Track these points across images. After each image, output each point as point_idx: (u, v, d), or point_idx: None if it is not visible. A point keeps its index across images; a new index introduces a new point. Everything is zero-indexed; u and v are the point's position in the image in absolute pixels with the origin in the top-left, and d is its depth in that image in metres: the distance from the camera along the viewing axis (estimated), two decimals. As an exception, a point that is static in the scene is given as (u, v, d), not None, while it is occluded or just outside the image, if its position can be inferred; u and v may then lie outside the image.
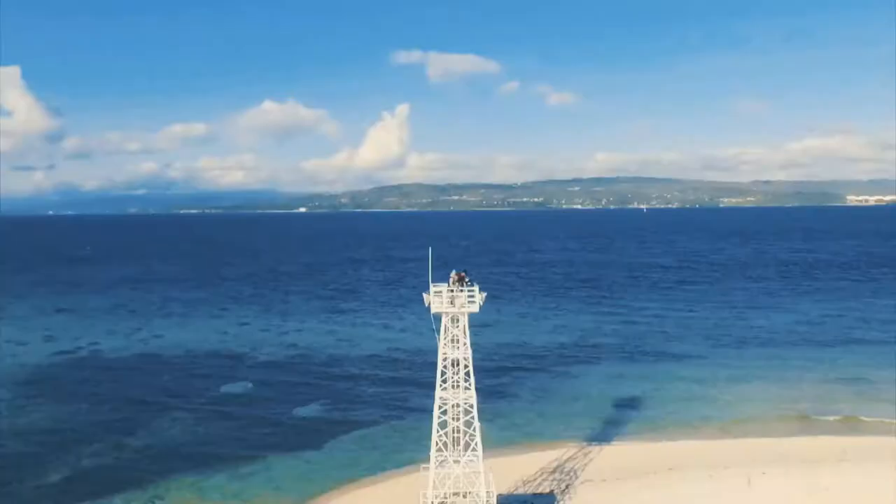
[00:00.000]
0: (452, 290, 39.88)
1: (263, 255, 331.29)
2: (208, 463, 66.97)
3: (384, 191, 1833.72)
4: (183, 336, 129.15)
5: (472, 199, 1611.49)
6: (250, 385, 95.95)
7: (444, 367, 40.94)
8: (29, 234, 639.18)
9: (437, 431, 41.79)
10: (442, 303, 39.82)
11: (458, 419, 41.68)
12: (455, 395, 41.42)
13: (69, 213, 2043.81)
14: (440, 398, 41.28)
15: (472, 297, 39.81)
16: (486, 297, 40.53)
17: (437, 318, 41.08)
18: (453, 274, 40.61)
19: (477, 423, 42.07)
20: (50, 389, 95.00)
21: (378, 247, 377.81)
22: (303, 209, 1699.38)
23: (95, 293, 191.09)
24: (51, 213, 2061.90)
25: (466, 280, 40.52)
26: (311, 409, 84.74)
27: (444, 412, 41.75)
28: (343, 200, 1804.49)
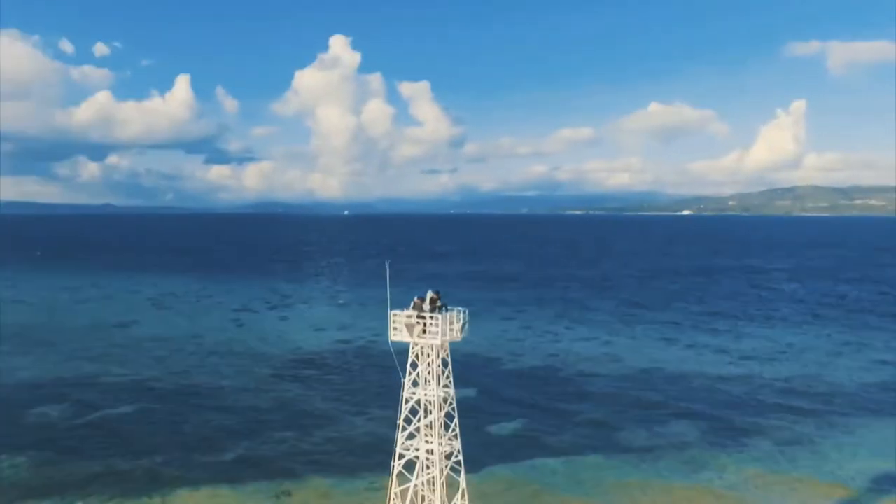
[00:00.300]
0: (419, 317, 31.76)
1: (611, 258, 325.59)
2: (356, 467, 65.38)
3: (775, 193, 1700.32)
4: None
5: (880, 203, 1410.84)
6: (474, 391, 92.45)
7: (410, 408, 32.94)
8: (428, 230, 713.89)
9: (396, 487, 33.91)
10: (408, 332, 31.91)
11: (422, 475, 33.30)
12: (426, 444, 33.15)
13: (468, 211, 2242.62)
14: (402, 445, 33.35)
15: (435, 325, 31.29)
16: (467, 326, 31.78)
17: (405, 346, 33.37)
18: (430, 294, 32.43)
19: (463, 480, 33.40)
20: (297, 373, 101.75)
21: (742, 254, 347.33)
22: (687, 212, 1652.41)
23: (431, 285, 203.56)
24: (452, 211, 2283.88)
25: (439, 304, 32.08)
26: (514, 425, 78.39)
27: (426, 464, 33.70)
28: (730, 203, 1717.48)
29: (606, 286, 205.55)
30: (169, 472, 63.95)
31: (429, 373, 32.42)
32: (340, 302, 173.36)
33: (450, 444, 33.33)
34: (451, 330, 31.63)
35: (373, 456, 67.92)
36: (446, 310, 32.02)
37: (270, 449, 70.63)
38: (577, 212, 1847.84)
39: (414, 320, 31.34)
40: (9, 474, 63.54)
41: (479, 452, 68.71)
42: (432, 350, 31.94)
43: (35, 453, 68.25)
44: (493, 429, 76.62)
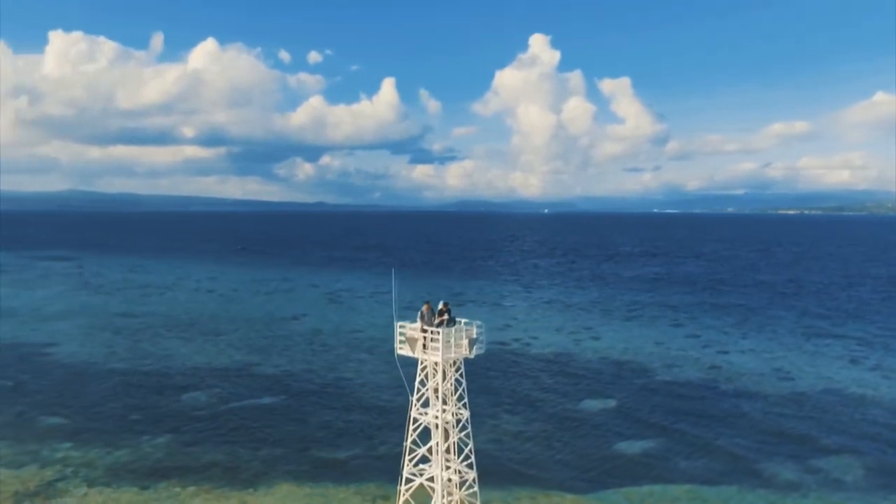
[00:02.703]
0: (427, 330, 28.76)
1: (809, 262, 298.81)
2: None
3: None
4: (613, 341, 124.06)
5: None
6: (613, 403, 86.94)
7: (417, 429, 29.90)
8: (631, 229, 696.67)
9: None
10: (418, 346, 28.97)
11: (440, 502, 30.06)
12: (436, 470, 29.94)
13: (672, 211, 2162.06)
14: (409, 469, 30.36)
15: (436, 339, 28.05)
16: (480, 343, 28.29)
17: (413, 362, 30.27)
18: (440, 305, 29.33)
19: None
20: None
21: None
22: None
23: (603, 287, 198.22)
24: (655, 210, 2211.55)
25: (446, 317, 28.87)
26: (645, 445, 72.40)
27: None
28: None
29: (794, 293, 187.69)
30: (281, 467, 65.19)
31: (437, 391, 29.32)
32: (507, 304, 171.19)
33: (461, 472, 30.00)
34: (459, 346, 28.30)
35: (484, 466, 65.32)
36: (454, 323, 28.78)
37: (385, 451, 69.96)
38: (791, 211, 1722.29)
39: (417, 334, 28.40)
40: (145, 453, 67.76)
41: (592, 473, 64.19)
42: (438, 367, 28.87)
43: (173, 435, 72.55)
44: (621, 447, 71.07)
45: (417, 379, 30.19)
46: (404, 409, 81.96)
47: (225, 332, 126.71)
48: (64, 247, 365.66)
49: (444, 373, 28.95)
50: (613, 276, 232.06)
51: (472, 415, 79.45)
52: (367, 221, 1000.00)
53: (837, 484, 61.98)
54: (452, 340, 28.32)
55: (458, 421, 29.81)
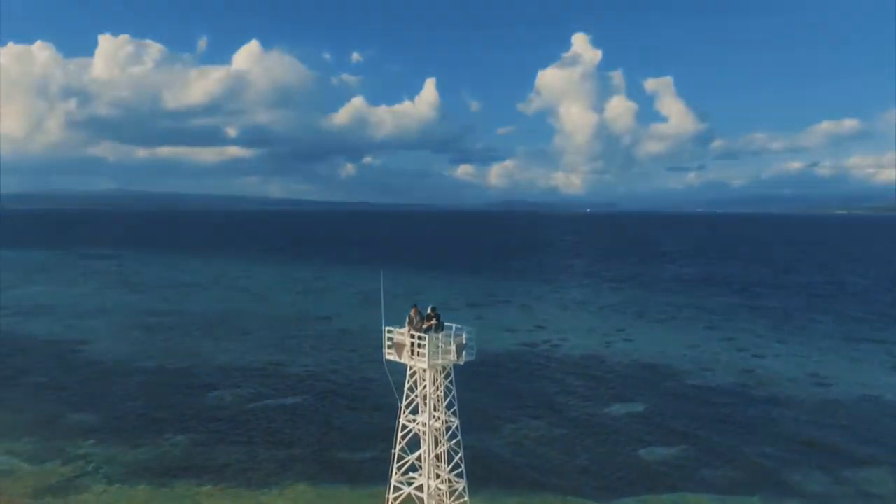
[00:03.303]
0: (414, 335, 27.98)
1: (851, 264, 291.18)
2: (485, 476, 61.92)
3: None
4: (645, 343, 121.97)
5: None
6: (641, 407, 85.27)
7: (405, 436, 29.12)
8: (674, 230, 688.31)
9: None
10: (405, 352, 28.20)
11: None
12: (425, 479, 29.10)
13: (717, 210, 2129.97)
14: (397, 478, 29.55)
15: (421, 345, 27.25)
16: (469, 348, 27.40)
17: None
18: (429, 309, 28.52)
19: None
20: (464, 374, 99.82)
21: None
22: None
23: (639, 288, 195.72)
24: (699, 210, 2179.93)
25: (434, 322, 28.04)
26: (667, 452, 70.70)
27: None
28: None
29: (835, 296, 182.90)
30: (298, 468, 65.00)
31: (425, 398, 28.54)
32: (539, 304, 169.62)
33: (451, 481, 29.16)
34: (447, 352, 27.50)
35: (501, 471, 64.44)
36: (442, 328, 27.98)
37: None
38: (840, 211, 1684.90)
39: (405, 339, 27.68)
40: (165, 451, 68.20)
41: (611, 480, 62.84)
42: (427, 374, 28.10)
43: (194, 435, 72.89)
44: (643, 454, 69.43)
45: (406, 385, 29.51)
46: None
47: (254, 331, 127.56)
48: (107, 245, 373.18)
49: (433, 379, 28.20)
50: (650, 277, 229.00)
51: (494, 418, 79.16)
52: (408, 220, 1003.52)
53: (868, 497, 59.66)
54: (440, 346, 27.57)
55: (448, 429, 29.03)
